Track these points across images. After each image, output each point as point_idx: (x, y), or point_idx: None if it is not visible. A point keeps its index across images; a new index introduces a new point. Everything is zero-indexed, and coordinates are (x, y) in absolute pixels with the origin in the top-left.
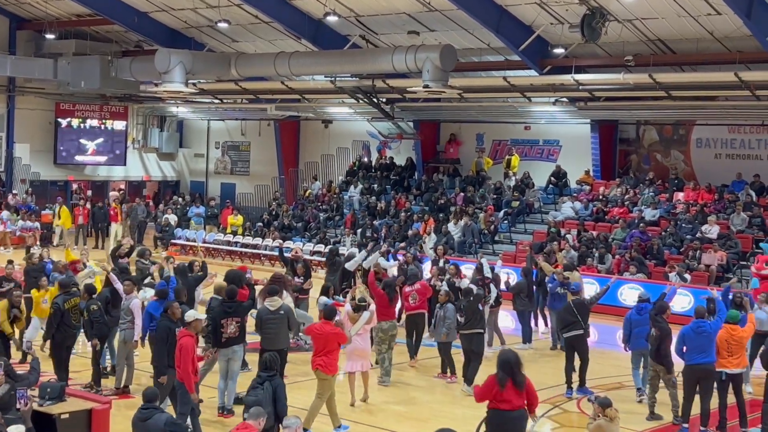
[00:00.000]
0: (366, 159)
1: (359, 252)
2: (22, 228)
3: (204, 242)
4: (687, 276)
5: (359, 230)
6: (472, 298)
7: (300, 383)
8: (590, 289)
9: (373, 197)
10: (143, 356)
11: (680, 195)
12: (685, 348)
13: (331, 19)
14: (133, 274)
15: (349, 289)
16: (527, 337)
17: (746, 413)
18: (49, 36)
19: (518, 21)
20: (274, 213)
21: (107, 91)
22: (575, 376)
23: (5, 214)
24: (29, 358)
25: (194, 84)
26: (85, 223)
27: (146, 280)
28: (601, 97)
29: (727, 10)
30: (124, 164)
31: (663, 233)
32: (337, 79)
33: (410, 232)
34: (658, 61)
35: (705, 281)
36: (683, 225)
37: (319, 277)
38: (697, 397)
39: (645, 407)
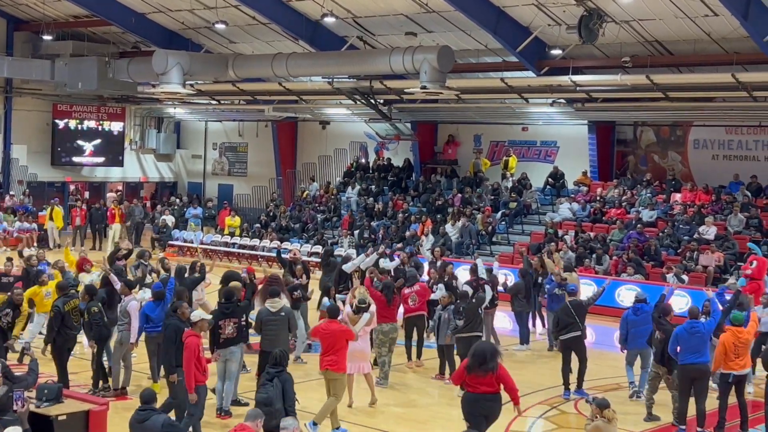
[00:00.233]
0: (363, 160)
1: (357, 255)
2: (20, 229)
3: (201, 243)
4: (684, 277)
5: (357, 231)
6: (474, 301)
7: (299, 384)
8: (587, 290)
9: (371, 198)
10: (141, 357)
11: (677, 196)
12: (678, 348)
13: (329, 20)
14: (132, 276)
15: (347, 291)
16: (525, 338)
17: (747, 415)
18: (47, 37)
19: (515, 22)
20: (271, 214)
21: (104, 93)
22: (572, 377)
23: (1, 215)
24: (27, 359)
25: (191, 85)
26: (83, 224)
27: (146, 281)
28: (598, 98)
29: (725, 11)
30: (122, 165)
31: (660, 234)
32: (335, 80)
33: (408, 234)
34: (655, 62)
35: (702, 282)
36: (680, 226)
37: (316, 279)
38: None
39: (643, 408)
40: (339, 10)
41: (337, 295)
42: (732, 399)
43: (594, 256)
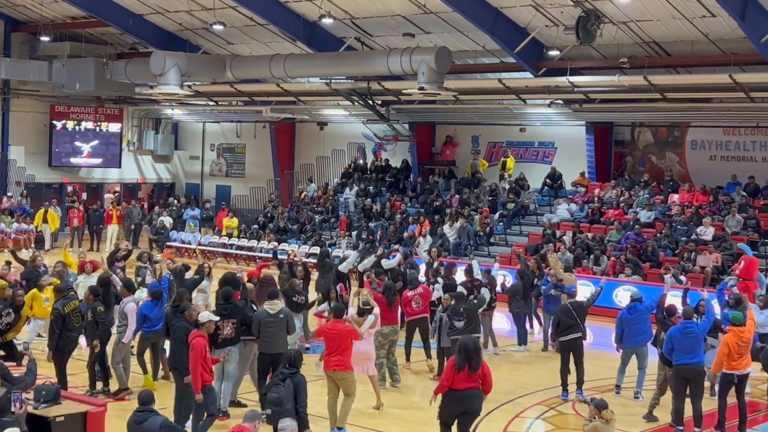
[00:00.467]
0: (361, 161)
1: (352, 253)
2: (17, 230)
3: (199, 245)
4: (682, 278)
5: (354, 232)
6: (475, 302)
7: None
8: (584, 291)
9: (369, 199)
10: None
11: (675, 197)
12: (673, 349)
13: (326, 21)
14: (138, 278)
15: (334, 290)
16: (522, 339)
17: (746, 416)
18: (44, 38)
19: (513, 23)
20: (269, 215)
21: (102, 94)
22: (570, 378)
23: None
24: (25, 360)
25: (189, 86)
26: (80, 225)
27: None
28: (596, 99)
29: (722, 12)
30: (119, 166)
31: (658, 235)
32: (333, 81)
33: (406, 234)
34: (652, 63)
35: (700, 283)
36: (678, 227)
37: (312, 280)
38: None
39: (641, 408)
40: (336, 11)
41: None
42: (731, 399)
43: (592, 256)
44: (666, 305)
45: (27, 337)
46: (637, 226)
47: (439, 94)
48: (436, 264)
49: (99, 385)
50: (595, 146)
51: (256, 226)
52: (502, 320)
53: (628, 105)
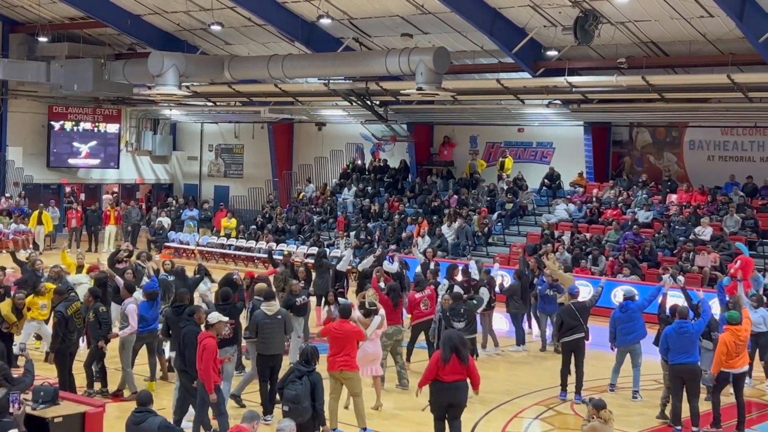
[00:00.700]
0: (360, 161)
1: (354, 257)
2: (15, 231)
3: (198, 245)
4: (680, 278)
5: (353, 233)
6: (475, 303)
7: None
8: (583, 291)
9: (367, 200)
10: (141, 359)
11: (673, 197)
12: (668, 349)
13: (325, 21)
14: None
15: (343, 290)
16: (520, 339)
17: (745, 415)
18: (42, 39)
19: (511, 24)
20: (267, 216)
21: (100, 94)
22: (569, 379)
23: None
24: (21, 360)
25: (187, 87)
26: (78, 226)
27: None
28: (594, 99)
29: (720, 12)
30: (118, 167)
31: (656, 235)
32: (331, 81)
33: (404, 235)
34: (650, 63)
35: (698, 283)
36: (676, 227)
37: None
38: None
39: (639, 408)
40: (335, 12)
41: (339, 299)
42: (730, 399)
43: (590, 257)
44: (672, 307)
45: (22, 338)
46: (635, 226)
47: (437, 94)
48: (433, 265)
49: (97, 386)
50: (594, 146)
51: (254, 226)
52: (500, 320)
53: (626, 105)
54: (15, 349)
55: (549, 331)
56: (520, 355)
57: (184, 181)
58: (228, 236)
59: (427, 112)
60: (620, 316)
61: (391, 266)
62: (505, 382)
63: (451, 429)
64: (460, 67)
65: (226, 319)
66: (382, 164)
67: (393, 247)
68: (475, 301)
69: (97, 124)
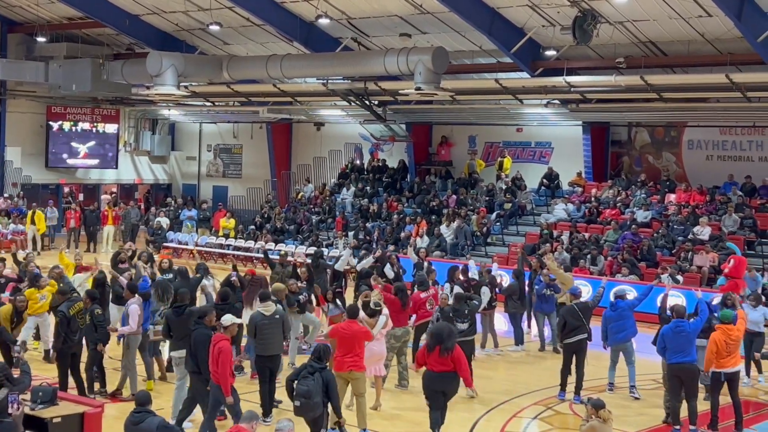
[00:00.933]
0: (358, 161)
1: (354, 257)
2: (13, 231)
3: (196, 245)
4: (679, 277)
5: (351, 233)
6: (476, 303)
7: None
8: (582, 291)
9: (366, 200)
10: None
11: (672, 197)
12: (665, 348)
13: (323, 21)
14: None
15: (341, 290)
16: (519, 339)
17: (742, 414)
18: (41, 39)
19: (510, 23)
20: (266, 216)
21: (99, 94)
22: (569, 378)
23: None
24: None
25: (186, 87)
26: (77, 226)
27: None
28: (592, 99)
29: (718, 12)
30: (116, 167)
31: (655, 235)
32: (329, 81)
33: (403, 235)
34: (649, 63)
35: (697, 282)
36: (675, 226)
37: None
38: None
39: (639, 408)
40: (333, 12)
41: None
42: (726, 399)
43: (589, 256)
44: (674, 307)
45: (22, 335)
46: (634, 226)
47: (436, 94)
48: (426, 265)
49: (96, 386)
50: (592, 146)
51: (253, 226)
52: (499, 320)
53: (624, 105)
54: (14, 349)
55: (547, 331)
56: (518, 354)
57: (183, 181)
58: (226, 236)
59: (426, 112)
60: (611, 315)
61: (390, 271)
62: (504, 382)
63: (438, 414)
64: (459, 67)
65: (240, 320)
66: (380, 164)
67: (391, 248)
68: (475, 302)
69: (95, 124)
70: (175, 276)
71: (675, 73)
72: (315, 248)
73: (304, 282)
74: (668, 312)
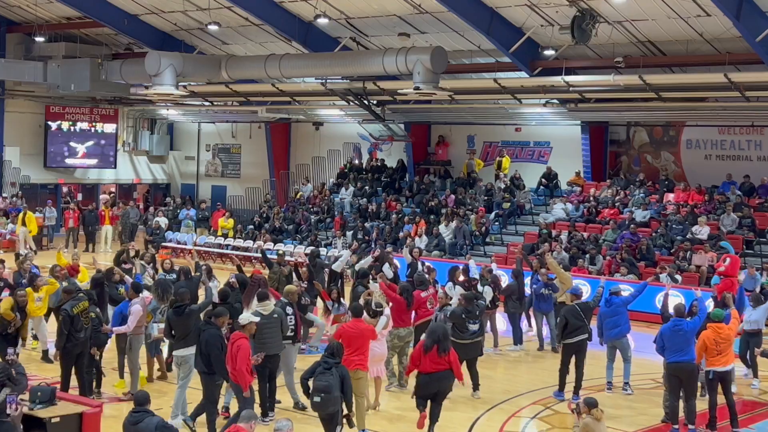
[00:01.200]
0: (357, 161)
1: (345, 251)
2: (12, 231)
3: (195, 245)
4: (678, 277)
5: (350, 232)
6: (482, 302)
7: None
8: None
9: (365, 199)
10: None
11: (670, 196)
12: (664, 347)
13: (322, 21)
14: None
15: (336, 289)
16: (518, 339)
17: (737, 413)
18: (39, 39)
19: (508, 23)
20: (265, 215)
21: (97, 94)
22: (569, 378)
23: None
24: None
25: (184, 86)
26: (75, 226)
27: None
28: (591, 98)
29: (717, 11)
30: (115, 167)
31: (653, 234)
32: (328, 81)
33: (401, 234)
34: (648, 62)
35: (696, 282)
36: (674, 226)
37: None
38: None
39: (638, 407)
40: (332, 11)
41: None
42: (722, 399)
43: (587, 256)
44: (675, 306)
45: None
46: (632, 226)
47: (434, 93)
48: (420, 265)
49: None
50: (591, 146)
51: (251, 226)
52: (498, 320)
53: (623, 104)
54: (9, 351)
55: (545, 330)
56: (517, 354)
57: (182, 180)
58: (225, 236)
59: (425, 111)
60: (605, 311)
61: (388, 272)
62: (503, 382)
63: (432, 411)
64: (458, 67)
65: (257, 319)
66: (379, 164)
67: (389, 248)
68: (482, 301)
69: (94, 123)
70: (177, 276)
71: (674, 72)
72: (312, 248)
73: (305, 281)
74: (671, 311)
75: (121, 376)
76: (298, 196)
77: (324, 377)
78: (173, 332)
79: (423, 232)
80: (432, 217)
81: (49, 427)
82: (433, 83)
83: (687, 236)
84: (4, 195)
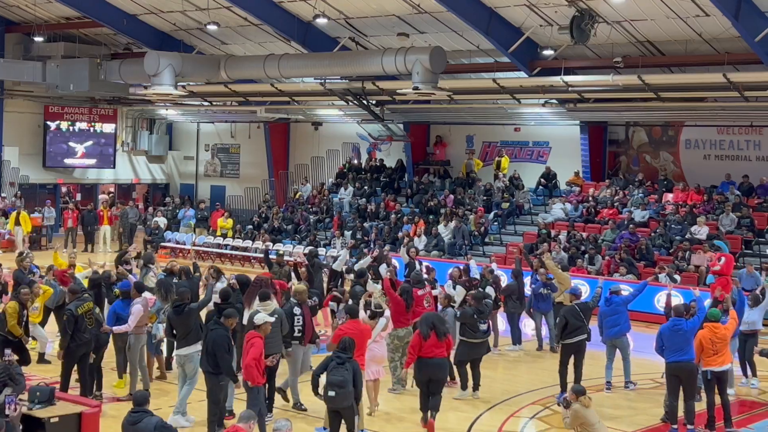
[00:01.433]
0: (356, 161)
1: (344, 251)
2: (11, 232)
3: (194, 245)
4: (677, 277)
5: (349, 232)
6: (489, 301)
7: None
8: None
9: (364, 199)
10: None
11: (669, 196)
12: (663, 347)
13: (321, 21)
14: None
15: (335, 289)
16: (517, 339)
17: (731, 413)
18: (38, 39)
19: (507, 23)
20: (264, 215)
21: (96, 94)
22: (568, 378)
23: None
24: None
25: (183, 86)
26: (74, 226)
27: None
28: (590, 98)
29: (716, 11)
30: (114, 167)
31: (652, 234)
32: (327, 81)
33: (400, 234)
34: (647, 62)
35: (695, 282)
36: (672, 226)
37: None
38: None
39: (637, 407)
40: (331, 11)
41: (330, 302)
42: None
43: (586, 256)
44: (675, 306)
45: None
46: (631, 226)
47: (433, 93)
48: (418, 265)
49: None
50: (590, 146)
51: (250, 226)
52: (497, 320)
53: (622, 104)
54: (6, 352)
55: (544, 330)
56: (516, 354)
57: (181, 181)
58: (224, 236)
59: (424, 111)
60: (605, 310)
61: (385, 272)
62: (503, 382)
63: (431, 402)
64: (457, 67)
65: (272, 319)
66: (378, 164)
67: (387, 248)
68: (488, 300)
69: (93, 123)
70: (179, 276)
71: (672, 72)
72: (310, 248)
73: (305, 281)
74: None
75: (120, 376)
76: (297, 196)
77: (338, 372)
78: (174, 331)
79: (422, 232)
80: (431, 217)
81: (48, 427)
82: (432, 83)
83: (686, 236)
84: (3, 195)
